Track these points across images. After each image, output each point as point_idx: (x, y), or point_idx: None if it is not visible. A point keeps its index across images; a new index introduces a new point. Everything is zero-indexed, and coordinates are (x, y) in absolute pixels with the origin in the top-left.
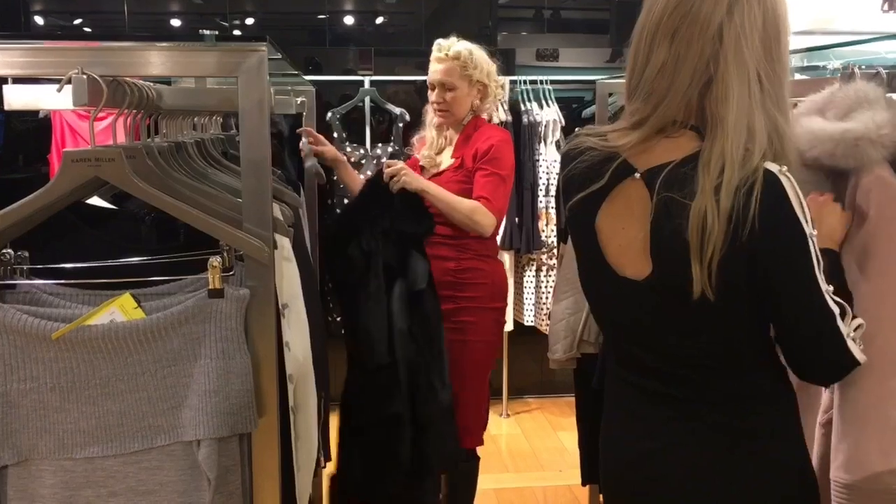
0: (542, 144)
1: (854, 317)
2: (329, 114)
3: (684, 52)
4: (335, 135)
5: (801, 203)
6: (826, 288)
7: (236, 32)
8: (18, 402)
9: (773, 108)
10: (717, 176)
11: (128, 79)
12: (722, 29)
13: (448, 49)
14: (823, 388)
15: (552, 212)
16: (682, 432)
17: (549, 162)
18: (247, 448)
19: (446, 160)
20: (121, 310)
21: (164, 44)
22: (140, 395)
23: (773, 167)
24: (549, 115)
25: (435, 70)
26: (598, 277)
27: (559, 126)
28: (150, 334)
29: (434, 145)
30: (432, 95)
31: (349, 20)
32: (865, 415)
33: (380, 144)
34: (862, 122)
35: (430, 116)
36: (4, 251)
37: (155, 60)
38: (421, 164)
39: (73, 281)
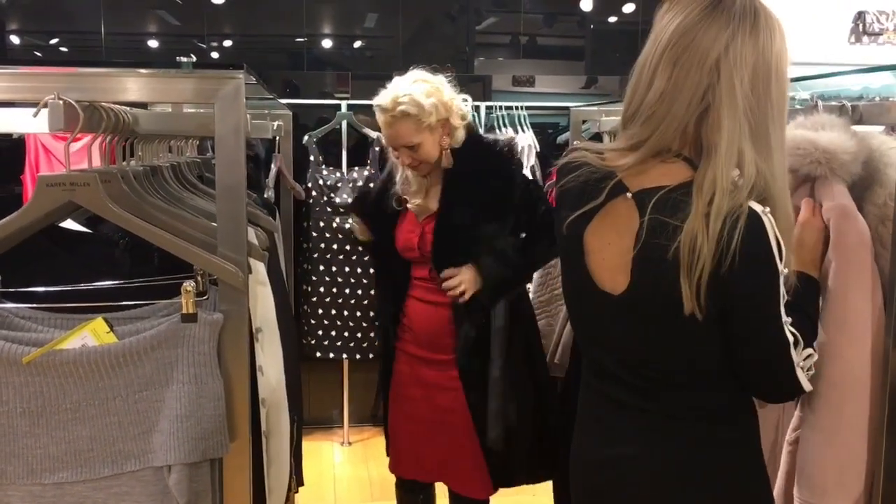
0: None
1: (806, 347)
2: (306, 137)
3: (683, 81)
4: (311, 158)
5: (778, 243)
6: (785, 319)
7: (214, 55)
8: None
9: (757, 145)
10: (707, 201)
11: (104, 103)
12: (719, 62)
13: (393, 110)
14: (793, 405)
15: None
16: (646, 442)
17: None
18: (218, 473)
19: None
20: (93, 334)
21: (140, 70)
22: (111, 419)
23: (757, 207)
24: (524, 140)
25: (389, 135)
26: (578, 288)
27: (534, 151)
28: (122, 359)
29: (420, 190)
30: (394, 153)
31: (327, 44)
32: (827, 440)
33: (356, 168)
34: (825, 137)
35: (400, 166)
36: None
37: (131, 86)
38: (415, 212)
39: (45, 305)
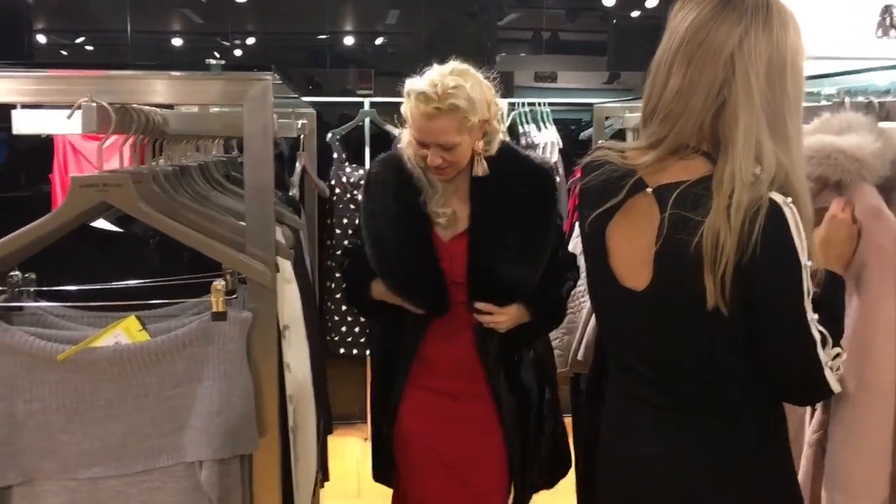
0: None
1: (835, 346)
2: (329, 135)
3: (698, 77)
4: (335, 155)
5: (800, 234)
6: (811, 316)
7: (237, 52)
8: (23, 423)
9: (779, 137)
10: (727, 196)
11: (134, 105)
12: (733, 57)
13: (441, 100)
14: (813, 407)
15: None
16: (669, 439)
17: None
18: (248, 469)
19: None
20: (125, 332)
21: (170, 73)
22: (143, 416)
23: (778, 198)
24: (547, 136)
25: (426, 129)
26: (602, 285)
27: (557, 148)
28: (155, 356)
29: (446, 200)
30: (421, 152)
31: (349, 41)
32: (856, 443)
33: None
34: (852, 141)
35: (417, 166)
36: (12, 273)
37: (161, 89)
38: (439, 223)
39: (77, 303)
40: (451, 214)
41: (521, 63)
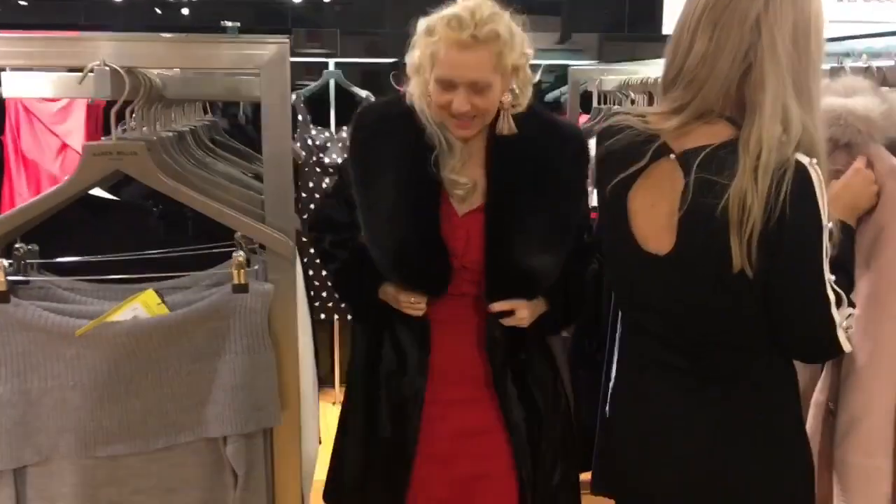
0: None
1: (850, 305)
2: (293, 96)
3: (724, 41)
4: (300, 117)
5: (823, 195)
6: (828, 277)
7: (184, 11)
8: (39, 401)
9: (804, 100)
10: (754, 158)
11: (139, 69)
12: (759, 21)
13: (478, 27)
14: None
15: None
16: (687, 402)
17: None
18: (269, 442)
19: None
20: (144, 306)
21: (185, 35)
22: (164, 391)
23: (804, 159)
24: None
25: (457, 62)
26: (622, 251)
27: None
28: (175, 330)
29: (459, 161)
30: (444, 97)
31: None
32: (869, 402)
33: (344, 127)
34: (860, 103)
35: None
36: (17, 246)
37: (176, 53)
38: (457, 194)
39: (90, 277)
40: (471, 185)
41: None
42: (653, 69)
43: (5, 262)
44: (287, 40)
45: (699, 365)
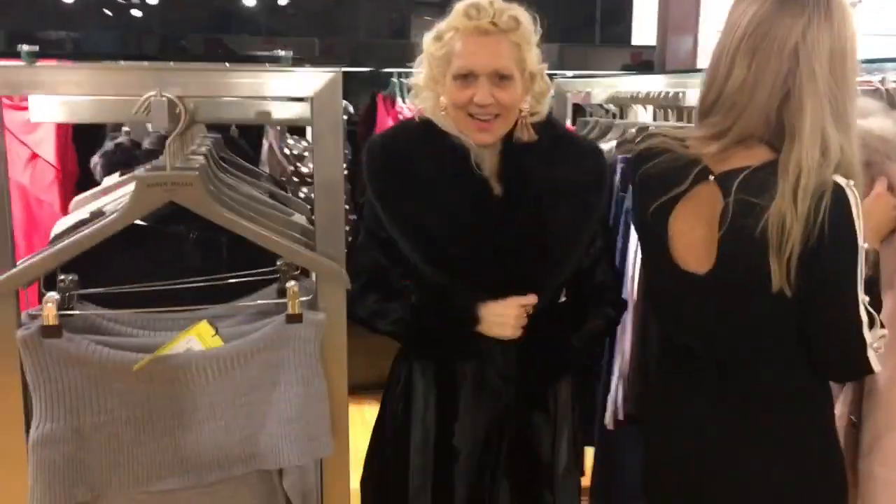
0: None
1: (882, 326)
2: None
3: (763, 68)
4: (278, 126)
5: (860, 217)
6: (862, 298)
7: (134, 12)
8: (91, 437)
9: (841, 124)
10: (794, 181)
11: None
12: (797, 49)
13: (497, 15)
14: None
15: None
16: (724, 421)
17: None
18: (319, 472)
19: None
20: (198, 338)
21: (239, 66)
22: (217, 424)
23: (842, 181)
24: None
25: (476, 49)
26: (661, 270)
27: None
28: (230, 362)
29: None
30: (462, 94)
31: (250, 2)
32: (888, 422)
33: None
34: (876, 124)
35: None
36: (61, 277)
37: (233, 82)
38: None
39: (145, 310)
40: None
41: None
42: (638, 82)
43: (55, 296)
44: (339, 71)
45: (737, 382)
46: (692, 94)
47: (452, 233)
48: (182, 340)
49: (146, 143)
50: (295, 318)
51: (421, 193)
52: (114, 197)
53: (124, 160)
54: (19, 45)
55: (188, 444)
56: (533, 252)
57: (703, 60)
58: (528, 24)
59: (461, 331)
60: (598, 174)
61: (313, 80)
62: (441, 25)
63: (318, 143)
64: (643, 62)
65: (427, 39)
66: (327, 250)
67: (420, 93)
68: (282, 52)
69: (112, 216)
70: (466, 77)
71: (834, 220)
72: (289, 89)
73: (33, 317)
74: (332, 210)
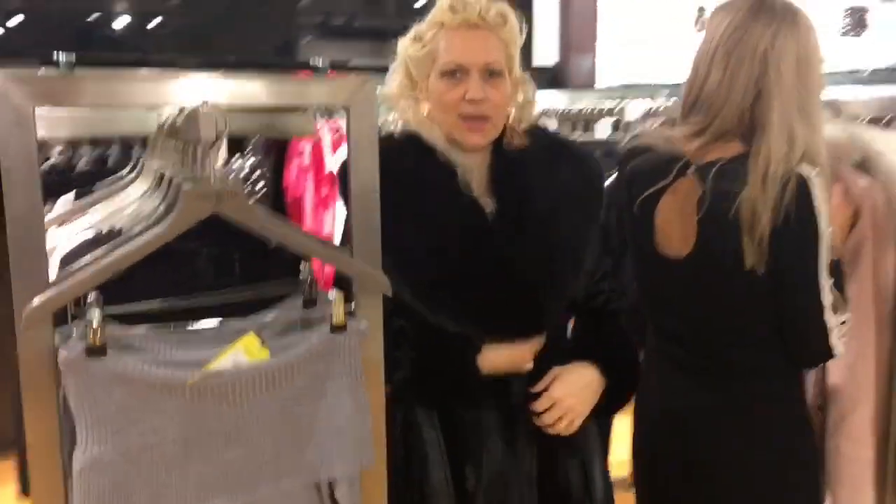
0: None
1: (843, 312)
2: None
3: (737, 72)
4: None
5: (824, 203)
6: (825, 282)
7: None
8: (138, 458)
9: (806, 120)
10: (763, 170)
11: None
12: (767, 54)
13: (485, 10)
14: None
15: None
16: (704, 397)
17: None
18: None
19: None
20: (245, 351)
21: (278, 75)
22: (265, 438)
23: (806, 170)
24: None
25: (465, 43)
26: (647, 259)
27: None
28: (279, 375)
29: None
30: (451, 93)
31: (123, 21)
32: (852, 402)
33: (239, 156)
34: (829, 133)
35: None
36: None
37: (270, 90)
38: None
39: (179, 325)
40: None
41: (321, 49)
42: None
43: (98, 314)
44: (374, 80)
45: (713, 362)
46: (634, 105)
47: (441, 264)
48: (229, 354)
49: (81, 164)
50: (339, 328)
51: (406, 219)
52: (104, 215)
53: (59, 182)
54: (57, 53)
55: (237, 460)
56: (534, 275)
57: (602, 77)
58: (515, 23)
59: (465, 383)
60: (596, 181)
61: (352, 87)
62: (419, 26)
63: (355, 152)
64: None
65: (403, 43)
66: (365, 258)
67: (395, 103)
68: (319, 62)
69: (154, 230)
70: (454, 73)
71: (798, 204)
72: (328, 96)
73: (65, 336)
74: (369, 220)
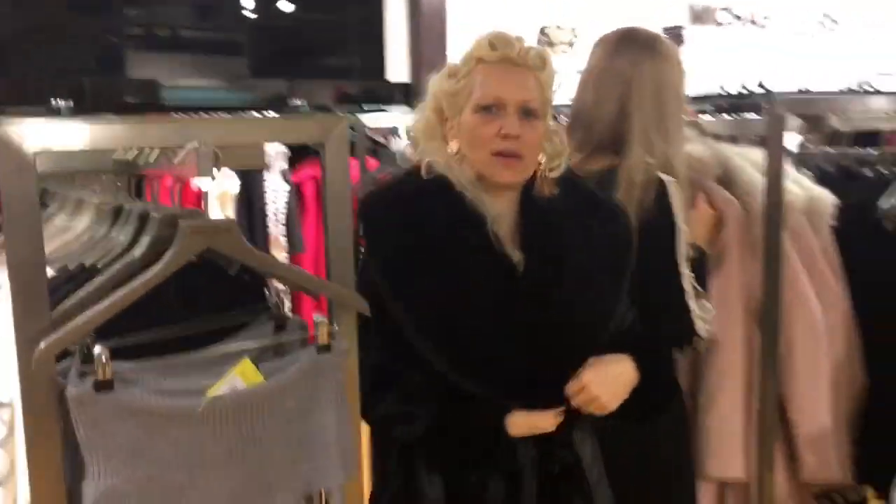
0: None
1: (707, 301)
2: None
3: (605, 94)
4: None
5: (679, 204)
6: (684, 272)
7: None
8: (147, 488)
9: (664, 136)
10: (628, 177)
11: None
12: (631, 79)
13: (524, 51)
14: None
15: (282, 239)
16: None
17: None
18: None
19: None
20: (242, 376)
21: (261, 115)
22: (262, 457)
23: (665, 177)
24: (273, 146)
25: (503, 79)
26: None
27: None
28: (275, 397)
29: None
30: (485, 129)
31: None
32: (718, 385)
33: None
34: (695, 150)
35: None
36: None
37: (254, 130)
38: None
39: (180, 356)
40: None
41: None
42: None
43: (105, 349)
44: (345, 118)
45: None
46: None
47: (466, 323)
48: (227, 379)
49: None
50: (325, 349)
51: (431, 270)
52: (49, 249)
53: None
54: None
55: (235, 480)
56: (560, 349)
57: None
58: (553, 69)
59: (491, 449)
60: (629, 236)
61: (328, 125)
62: (455, 63)
63: (331, 188)
64: (344, 94)
65: (436, 79)
66: (341, 282)
67: (424, 143)
68: (298, 102)
69: (154, 268)
70: (490, 108)
71: (654, 204)
72: (307, 135)
73: (63, 371)
74: (343, 250)
